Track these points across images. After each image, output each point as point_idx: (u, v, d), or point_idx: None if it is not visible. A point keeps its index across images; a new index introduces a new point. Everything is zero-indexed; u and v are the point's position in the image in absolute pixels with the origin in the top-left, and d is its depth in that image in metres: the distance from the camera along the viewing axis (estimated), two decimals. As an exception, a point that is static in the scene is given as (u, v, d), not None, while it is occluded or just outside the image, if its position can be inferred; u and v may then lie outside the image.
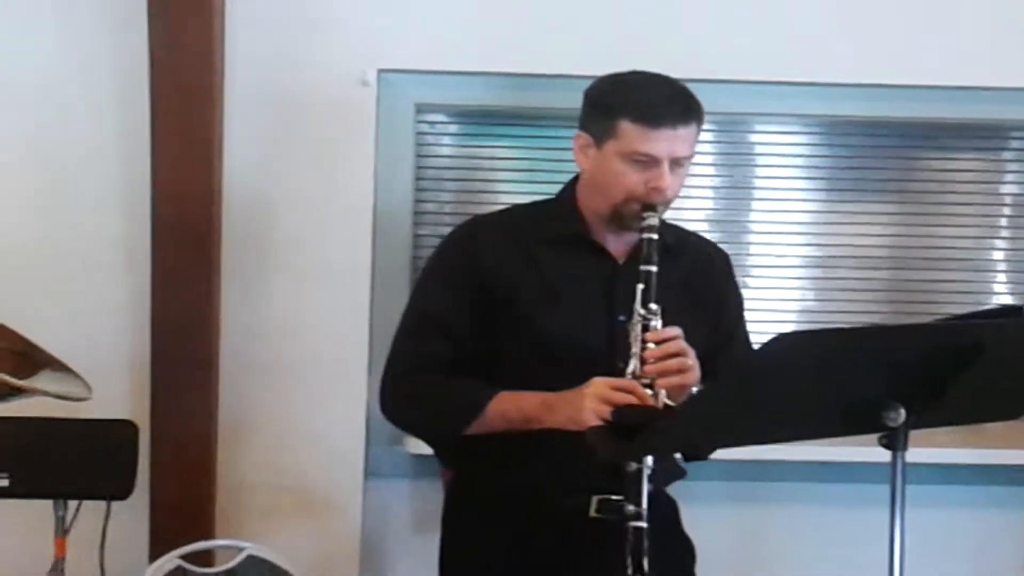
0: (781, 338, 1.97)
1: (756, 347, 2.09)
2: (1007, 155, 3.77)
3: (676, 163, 2.44)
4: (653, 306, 2.38)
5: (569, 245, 2.53)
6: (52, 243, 3.42)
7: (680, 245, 2.60)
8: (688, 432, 2.16)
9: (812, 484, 3.51)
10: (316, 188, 3.46)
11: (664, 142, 2.41)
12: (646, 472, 2.30)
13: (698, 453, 2.62)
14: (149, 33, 3.23)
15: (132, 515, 3.30)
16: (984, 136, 3.72)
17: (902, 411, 2.07)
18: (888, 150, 3.70)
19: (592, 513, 2.45)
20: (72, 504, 3.09)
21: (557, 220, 2.56)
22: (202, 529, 3.29)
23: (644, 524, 2.28)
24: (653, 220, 2.42)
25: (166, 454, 3.31)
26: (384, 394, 2.62)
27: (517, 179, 3.69)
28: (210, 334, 3.35)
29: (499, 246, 2.53)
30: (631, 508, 2.29)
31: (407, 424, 2.68)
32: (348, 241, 3.47)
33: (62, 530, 3.07)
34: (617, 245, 2.54)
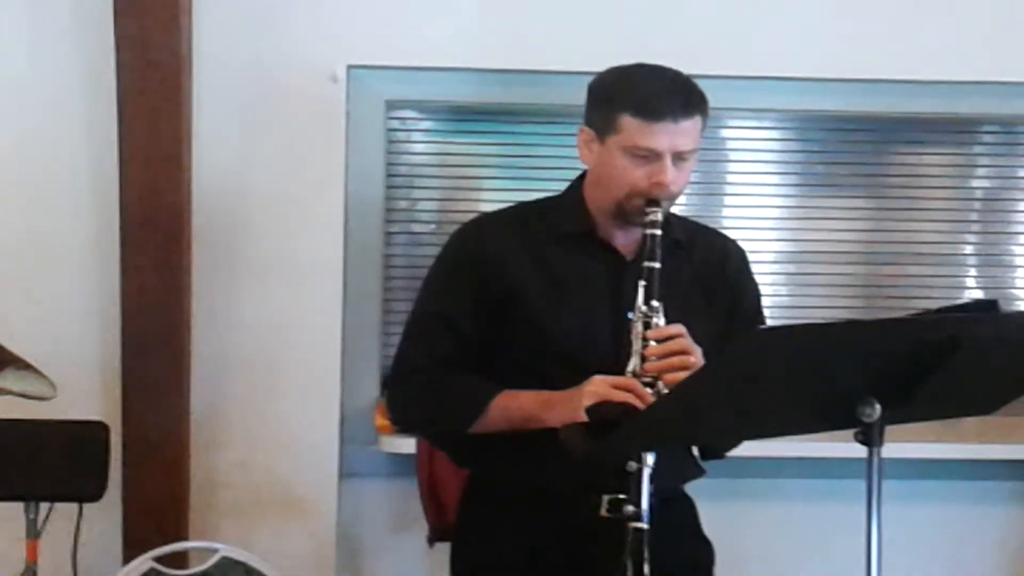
0: (755, 333, 1.98)
1: (728, 343, 2.09)
2: (978, 149, 3.81)
3: (679, 157, 2.41)
4: (655, 303, 2.38)
5: (576, 242, 2.51)
6: (21, 242, 3.41)
7: (692, 240, 2.59)
8: (661, 429, 2.16)
9: (788, 480, 3.54)
10: (287, 185, 3.46)
11: (665, 136, 2.39)
12: (647, 472, 2.30)
13: (716, 451, 2.62)
14: (115, 31, 3.23)
15: (105, 517, 3.30)
16: (955, 130, 3.75)
17: (877, 407, 2.08)
18: (859, 145, 3.73)
19: (603, 513, 2.43)
20: (44, 507, 3.08)
21: (564, 217, 2.54)
22: (176, 530, 3.29)
23: (644, 525, 2.28)
24: (656, 215, 2.41)
25: (138, 454, 3.30)
26: (391, 398, 2.63)
27: (490, 175, 3.70)
28: (181, 333, 3.35)
29: (505, 245, 2.52)
30: (630, 508, 2.29)
31: (413, 425, 2.68)
32: (319, 238, 3.47)
33: (34, 533, 3.06)
34: (625, 242, 2.52)
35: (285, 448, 3.44)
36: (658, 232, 2.41)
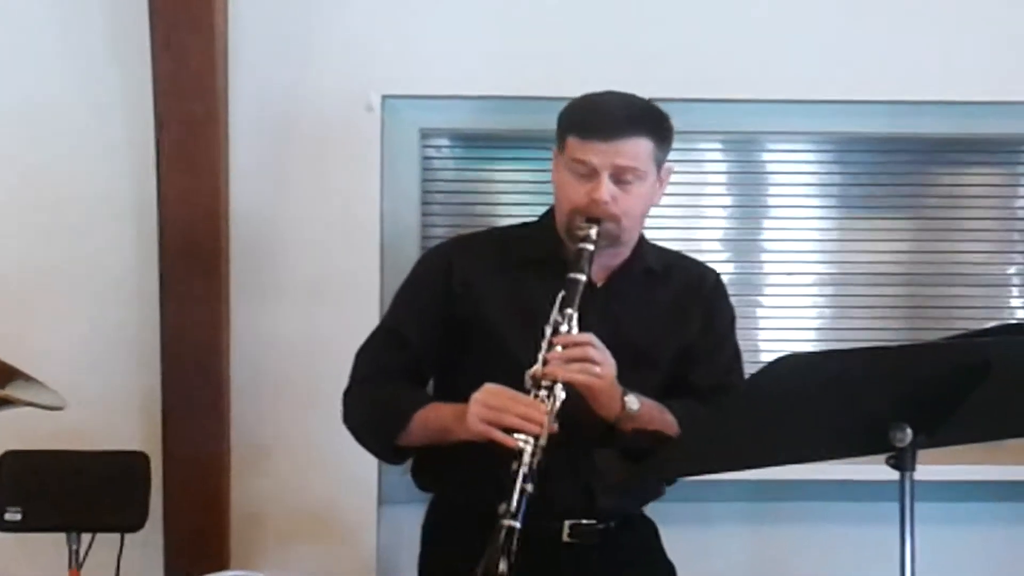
0: (785, 359, 2.02)
1: (758, 368, 2.14)
2: (1021, 169, 3.83)
3: (621, 178, 2.48)
4: (569, 311, 2.43)
5: (544, 267, 2.56)
6: (62, 271, 3.49)
7: (668, 269, 2.67)
8: (695, 454, 2.21)
9: (823, 503, 3.55)
10: (323, 214, 3.53)
11: (599, 152, 2.47)
12: (522, 471, 2.32)
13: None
14: (152, 60, 3.31)
15: (146, 546, 3.36)
16: (997, 151, 3.78)
17: (909, 431, 2.12)
18: (900, 166, 3.76)
19: (565, 538, 2.51)
20: (85, 537, 3.15)
21: (535, 242, 2.62)
22: (216, 558, 3.34)
23: (517, 524, 2.31)
24: (589, 231, 2.47)
25: (179, 484, 3.36)
26: (343, 404, 2.71)
27: (524, 202, 3.74)
28: (220, 361, 3.42)
29: (473, 267, 2.59)
30: (503, 506, 2.32)
31: (352, 432, 2.74)
32: (356, 266, 3.54)
33: (76, 564, 3.13)
34: (596, 269, 2.56)
35: (325, 474, 3.49)
36: (589, 247, 2.47)
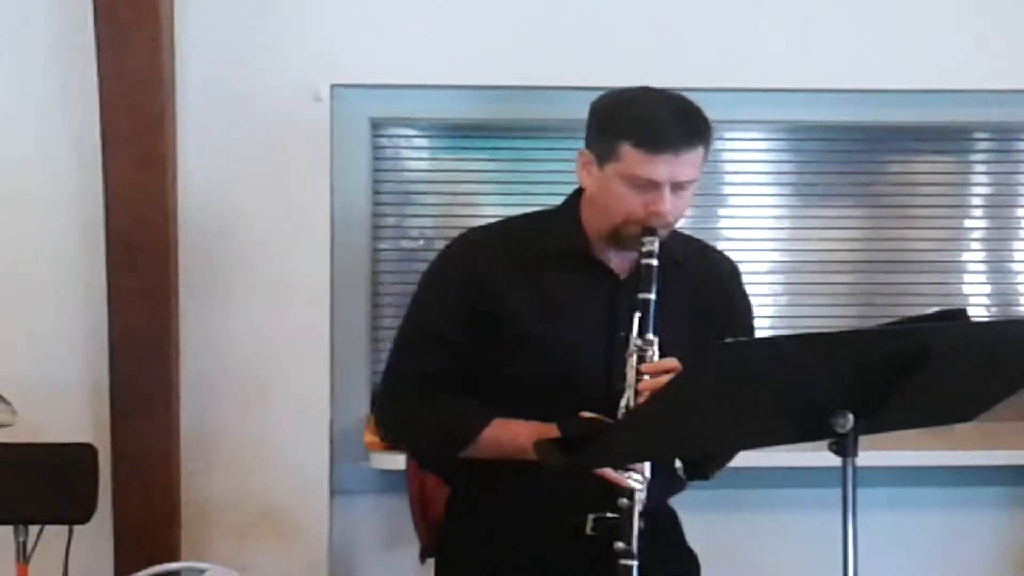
0: (724, 347, 2.03)
1: (699, 355, 2.15)
2: (973, 157, 3.88)
3: (679, 186, 2.44)
4: (650, 336, 2.40)
5: (571, 261, 2.54)
6: (7, 269, 3.48)
7: (690, 259, 2.62)
8: (636, 442, 2.22)
9: (767, 490, 3.60)
10: (273, 205, 3.53)
11: (665, 166, 2.41)
12: (637, 508, 2.34)
13: (702, 472, 2.67)
14: (97, 54, 3.29)
15: (95, 539, 3.37)
16: (950, 139, 3.83)
17: (850, 417, 2.13)
18: (854, 154, 3.80)
19: (588, 531, 2.50)
20: (33, 530, 3.14)
21: (559, 235, 2.57)
22: (166, 551, 3.35)
23: (634, 563, 2.33)
24: (652, 245, 2.43)
25: (127, 476, 3.37)
26: (381, 412, 2.68)
27: (480, 191, 3.77)
28: (169, 353, 3.42)
29: (496, 262, 2.55)
30: (620, 546, 2.33)
31: (404, 442, 2.73)
32: (306, 257, 3.54)
33: (24, 557, 3.13)
34: (620, 261, 2.56)
35: (276, 466, 3.51)
36: (654, 262, 2.43)
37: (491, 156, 3.77)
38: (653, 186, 2.42)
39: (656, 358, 2.41)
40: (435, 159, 3.77)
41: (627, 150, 2.42)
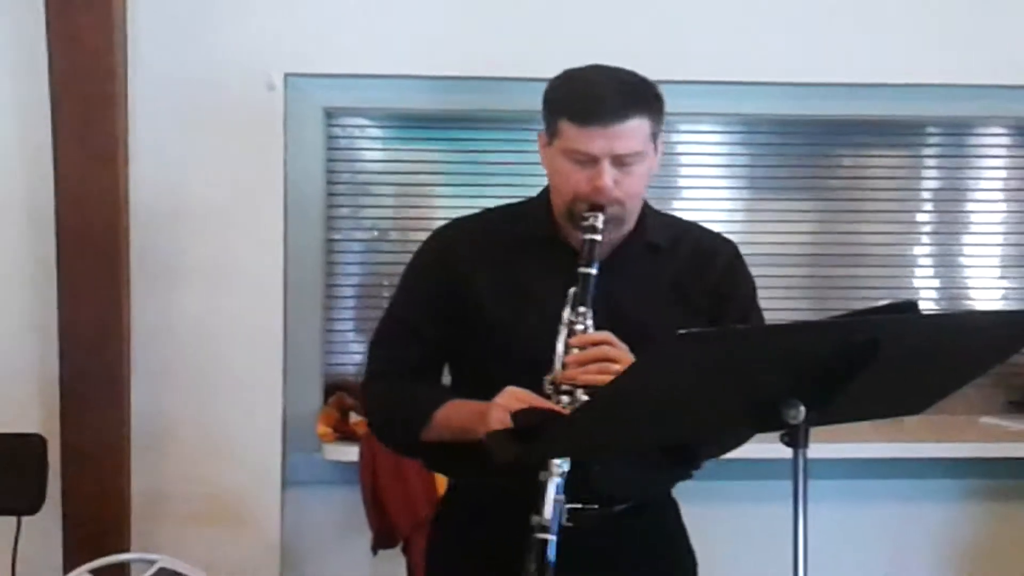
0: (676, 338, 2.05)
1: (651, 347, 2.16)
2: (925, 151, 3.93)
3: (621, 161, 2.40)
4: (583, 309, 2.39)
5: (539, 247, 2.52)
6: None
7: (675, 242, 2.59)
8: (587, 433, 2.23)
9: (718, 482, 3.57)
10: (225, 194, 3.54)
11: (600, 139, 2.38)
12: (553, 482, 2.32)
13: (693, 464, 2.65)
14: (48, 39, 3.29)
15: (45, 530, 3.37)
16: (902, 132, 3.87)
17: (802, 408, 2.15)
18: (806, 147, 3.84)
19: (563, 522, 2.51)
20: (-20, 521, 3.14)
21: (528, 221, 2.56)
22: (116, 542, 3.35)
23: (552, 537, 2.31)
24: (596, 221, 2.41)
25: (77, 467, 3.36)
26: (363, 402, 2.70)
27: (434, 182, 3.79)
28: (120, 343, 3.42)
29: (472, 251, 2.54)
30: (536, 519, 2.31)
31: (375, 432, 2.74)
32: (259, 246, 3.55)
33: (-32, 546, 3.13)
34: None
35: (228, 457, 3.51)
36: (597, 238, 2.42)
37: (446, 147, 3.79)
38: (592, 161, 2.41)
39: (590, 330, 2.39)
40: (390, 149, 3.79)
41: (565, 125, 2.42)
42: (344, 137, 3.74)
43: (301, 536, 3.61)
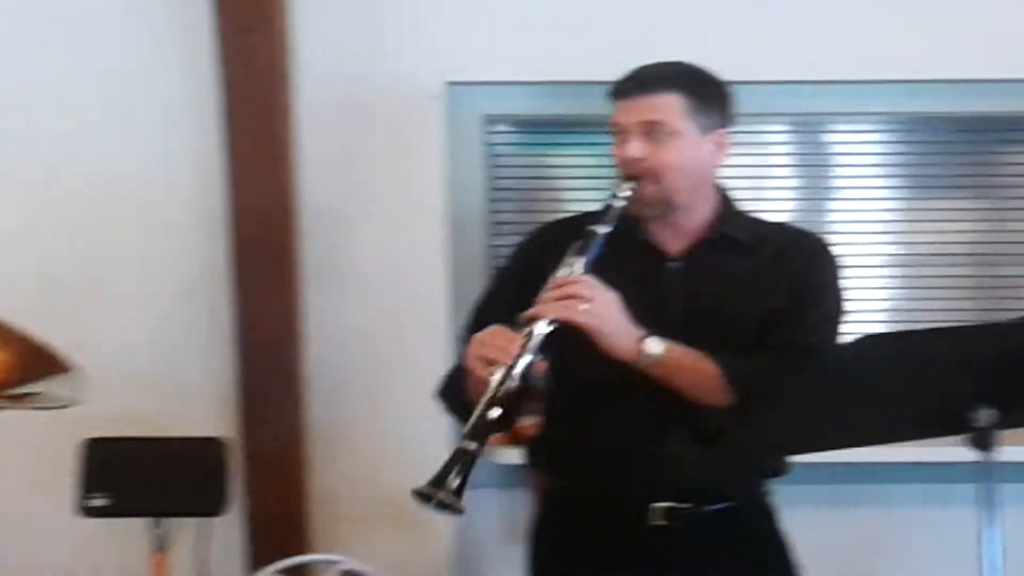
0: (866, 339, 2.07)
1: (840, 346, 2.18)
2: (1095, 147, 3.87)
3: (649, 132, 2.54)
4: (574, 258, 2.50)
5: (620, 242, 2.57)
6: (134, 265, 3.60)
7: (760, 240, 2.65)
8: (767, 437, 2.26)
9: (900, 485, 3.59)
10: (389, 202, 3.62)
11: (623, 112, 2.58)
12: (484, 397, 2.41)
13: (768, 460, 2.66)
14: (218, 54, 3.40)
15: (227, 532, 3.47)
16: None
17: (989, 411, 2.17)
18: (968, 145, 3.80)
19: (651, 522, 2.56)
20: (168, 522, 3.26)
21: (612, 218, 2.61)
22: (297, 544, 3.44)
23: (473, 445, 2.41)
24: (624, 190, 2.55)
25: (258, 470, 3.47)
26: None
27: (589, 187, 3.82)
28: (295, 347, 3.51)
29: (554, 246, 2.60)
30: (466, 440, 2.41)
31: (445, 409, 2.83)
32: (423, 253, 3.63)
33: (160, 548, 3.24)
34: (674, 243, 2.63)
35: (400, 460, 3.57)
36: (618, 205, 2.54)
37: (601, 152, 3.82)
38: (622, 132, 2.58)
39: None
40: (548, 155, 3.83)
41: (611, 105, 2.63)
42: (504, 144, 3.81)
43: (473, 538, 3.67)
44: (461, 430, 3.51)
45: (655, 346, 2.48)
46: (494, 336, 2.45)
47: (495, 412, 2.40)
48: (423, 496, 2.33)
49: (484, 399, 2.40)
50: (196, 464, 3.26)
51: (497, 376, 2.40)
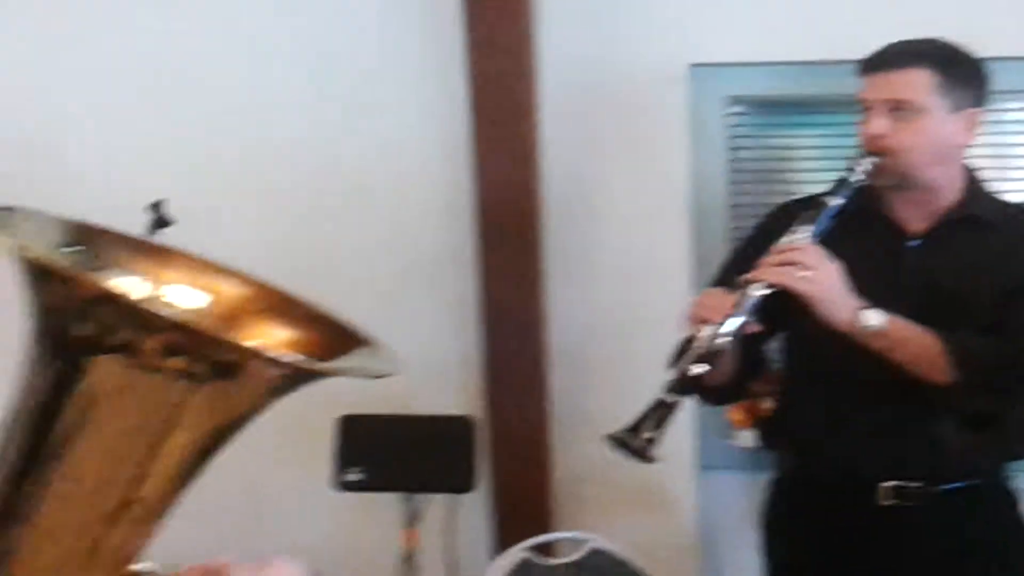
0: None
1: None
2: None
3: (897, 108, 2.51)
4: (801, 226, 2.49)
5: (858, 220, 2.57)
6: (382, 246, 3.71)
7: (1007, 219, 2.61)
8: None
9: None
10: (632, 186, 3.65)
11: (871, 87, 2.56)
12: (691, 349, 2.44)
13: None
14: (465, 37, 3.46)
15: (473, 509, 3.58)
16: None
17: None
18: None
19: (880, 502, 2.54)
20: (418, 498, 3.37)
21: (851, 196, 2.59)
22: (542, 523, 3.50)
23: (669, 399, 2.42)
24: (860, 164, 2.53)
25: (504, 449, 3.55)
26: None
27: (833, 168, 3.77)
28: (539, 330, 3.57)
29: (790, 222, 2.59)
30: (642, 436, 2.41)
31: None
32: (665, 237, 3.64)
33: (410, 523, 3.35)
34: (916, 221, 2.60)
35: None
36: (851, 179, 2.52)
37: (847, 132, 3.77)
38: (868, 108, 2.56)
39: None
40: (792, 136, 3.81)
41: (860, 81, 2.61)
42: (745, 126, 3.80)
43: (717, 521, 3.69)
44: (703, 413, 3.63)
45: (875, 318, 2.45)
46: (709, 296, 2.51)
47: (699, 368, 2.42)
48: (616, 441, 2.38)
49: (689, 354, 2.43)
50: (445, 441, 3.36)
51: (706, 332, 2.43)
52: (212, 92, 3.69)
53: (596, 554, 3.18)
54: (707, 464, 3.68)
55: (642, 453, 2.34)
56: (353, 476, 3.31)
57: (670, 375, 2.46)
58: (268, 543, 3.63)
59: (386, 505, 3.43)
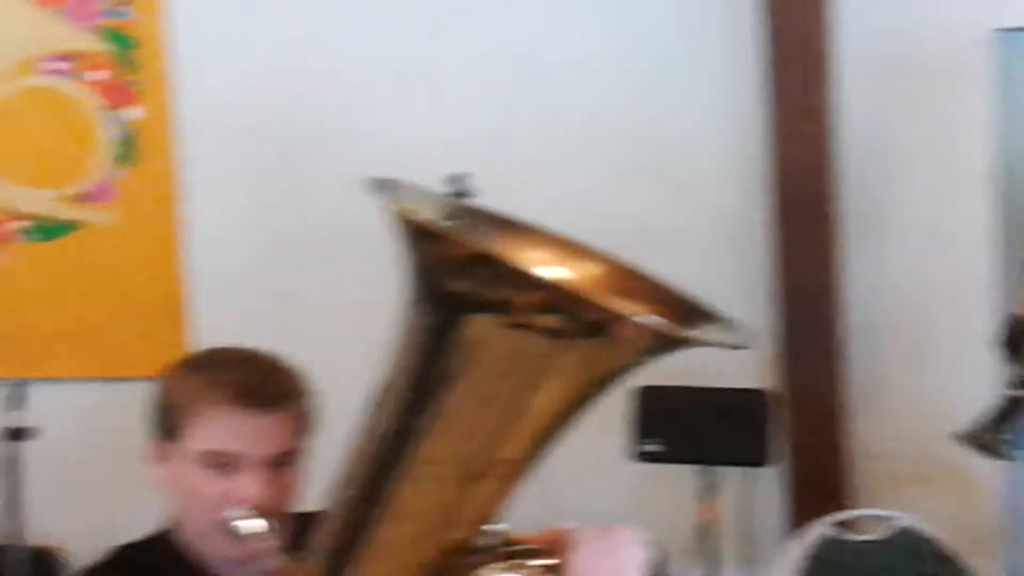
0: None
1: None
2: None
3: None
4: None
5: None
6: (680, 220, 3.70)
7: None
8: None
9: None
10: (931, 153, 3.57)
11: None
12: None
13: None
14: (760, 11, 3.45)
15: (769, 483, 3.55)
16: None
17: None
18: None
19: None
20: (715, 470, 3.36)
21: None
22: (838, 499, 3.45)
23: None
24: None
25: (801, 423, 3.50)
26: None
27: None
28: (834, 299, 3.52)
29: None
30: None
31: None
32: (966, 208, 3.55)
33: (708, 496, 3.35)
34: None
35: (940, 416, 3.48)
36: None
37: None
38: None
39: None
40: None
41: None
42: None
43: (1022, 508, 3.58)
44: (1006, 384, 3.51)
45: None
46: None
47: None
48: (972, 439, 2.30)
49: None
50: (742, 415, 3.35)
51: None
52: (512, 59, 3.73)
53: (904, 533, 3.10)
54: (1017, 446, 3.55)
55: (1000, 452, 2.28)
56: (651, 447, 3.31)
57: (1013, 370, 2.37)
58: (562, 512, 3.66)
59: (679, 477, 3.43)
